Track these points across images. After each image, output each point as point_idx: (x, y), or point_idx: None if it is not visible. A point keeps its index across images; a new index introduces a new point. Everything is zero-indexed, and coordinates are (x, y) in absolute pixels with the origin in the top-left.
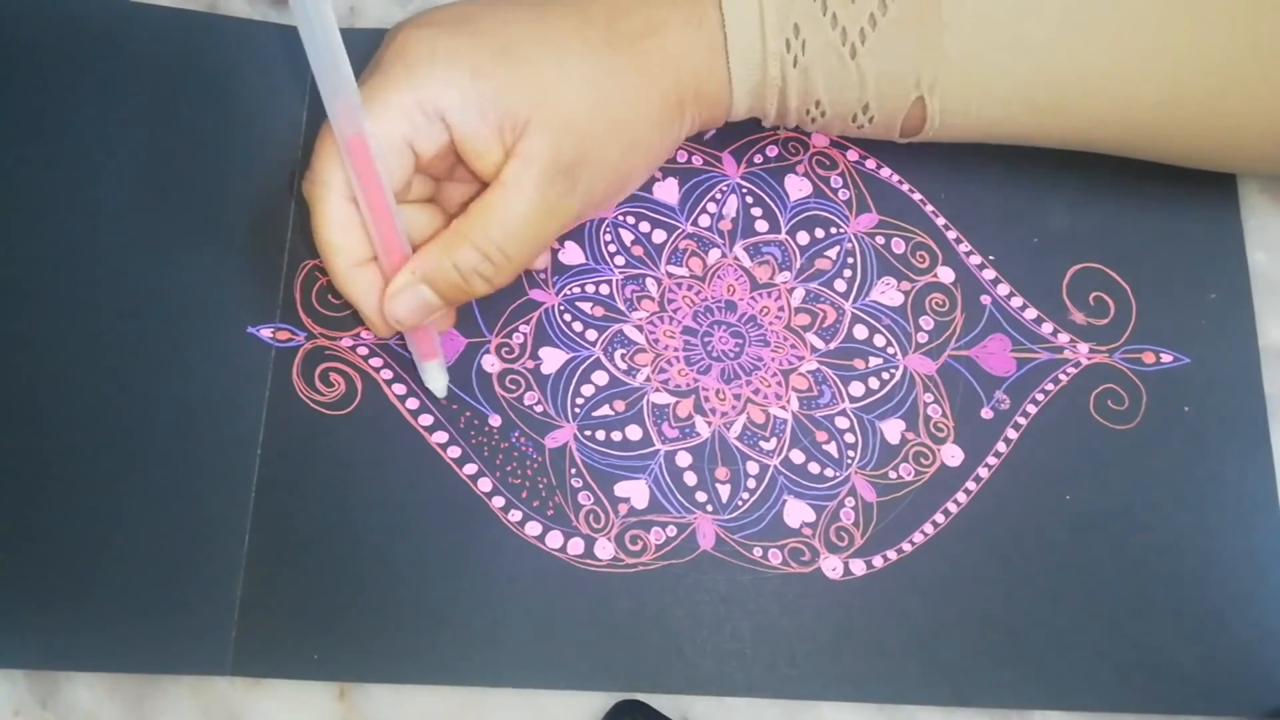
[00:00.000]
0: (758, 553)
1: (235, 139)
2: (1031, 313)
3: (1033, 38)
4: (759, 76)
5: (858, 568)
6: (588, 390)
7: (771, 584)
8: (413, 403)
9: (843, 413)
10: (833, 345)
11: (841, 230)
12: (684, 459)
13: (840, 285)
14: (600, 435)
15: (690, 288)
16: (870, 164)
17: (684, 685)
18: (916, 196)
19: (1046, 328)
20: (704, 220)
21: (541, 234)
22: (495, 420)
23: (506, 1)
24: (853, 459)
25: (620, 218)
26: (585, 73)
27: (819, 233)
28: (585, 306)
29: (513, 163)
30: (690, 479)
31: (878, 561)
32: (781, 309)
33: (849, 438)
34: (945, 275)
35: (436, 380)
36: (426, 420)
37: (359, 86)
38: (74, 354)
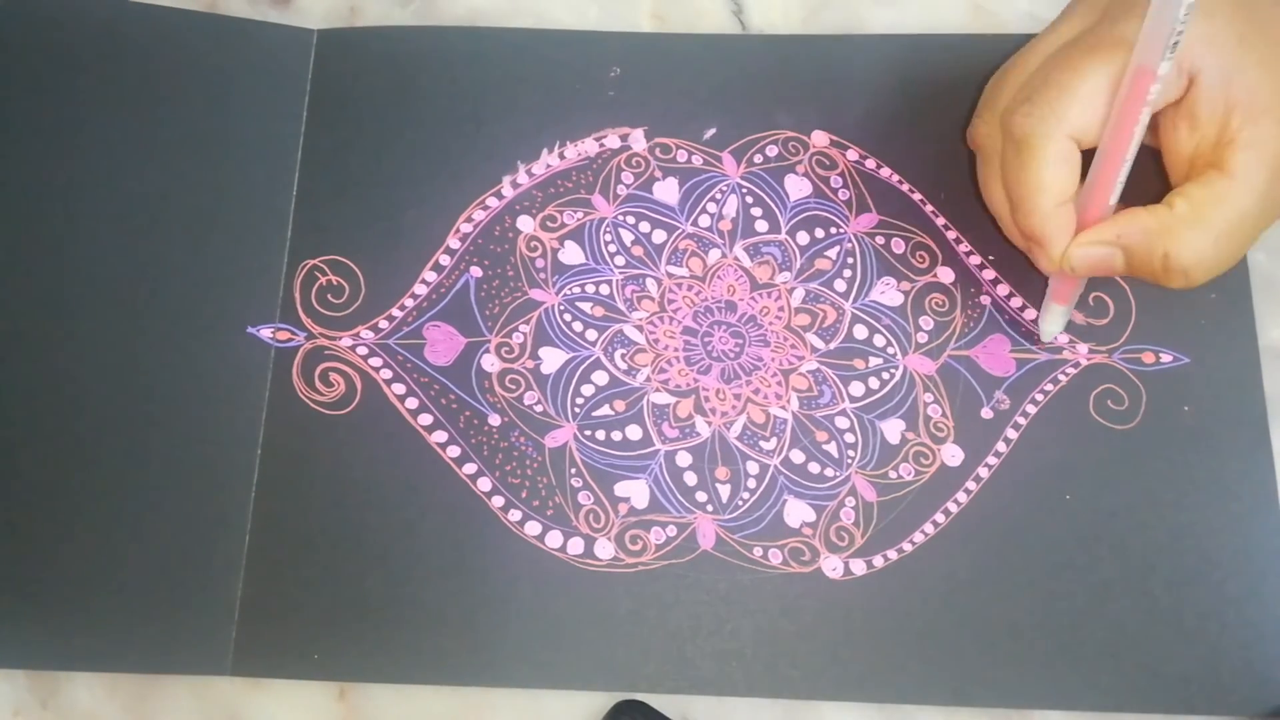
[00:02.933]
0: (758, 553)
1: (235, 139)
2: (1031, 313)
3: None
4: None
5: (858, 568)
6: (588, 390)
7: (771, 584)
8: (412, 402)
9: (843, 413)
10: (833, 345)
11: (841, 230)
12: (684, 459)
13: (840, 285)
14: (600, 435)
15: (690, 288)
16: (870, 164)
17: (684, 685)
18: (916, 196)
19: None
20: (704, 220)
21: (1253, 236)
22: (495, 420)
23: None
24: (853, 459)
25: (620, 218)
26: None
27: (819, 233)
28: (585, 306)
29: (1242, 153)
30: (690, 479)
31: (878, 561)
32: (781, 309)
33: (849, 438)
34: (945, 275)
35: (1055, 324)
36: (426, 420)
37: (1122, 13)
38: (74, 354)
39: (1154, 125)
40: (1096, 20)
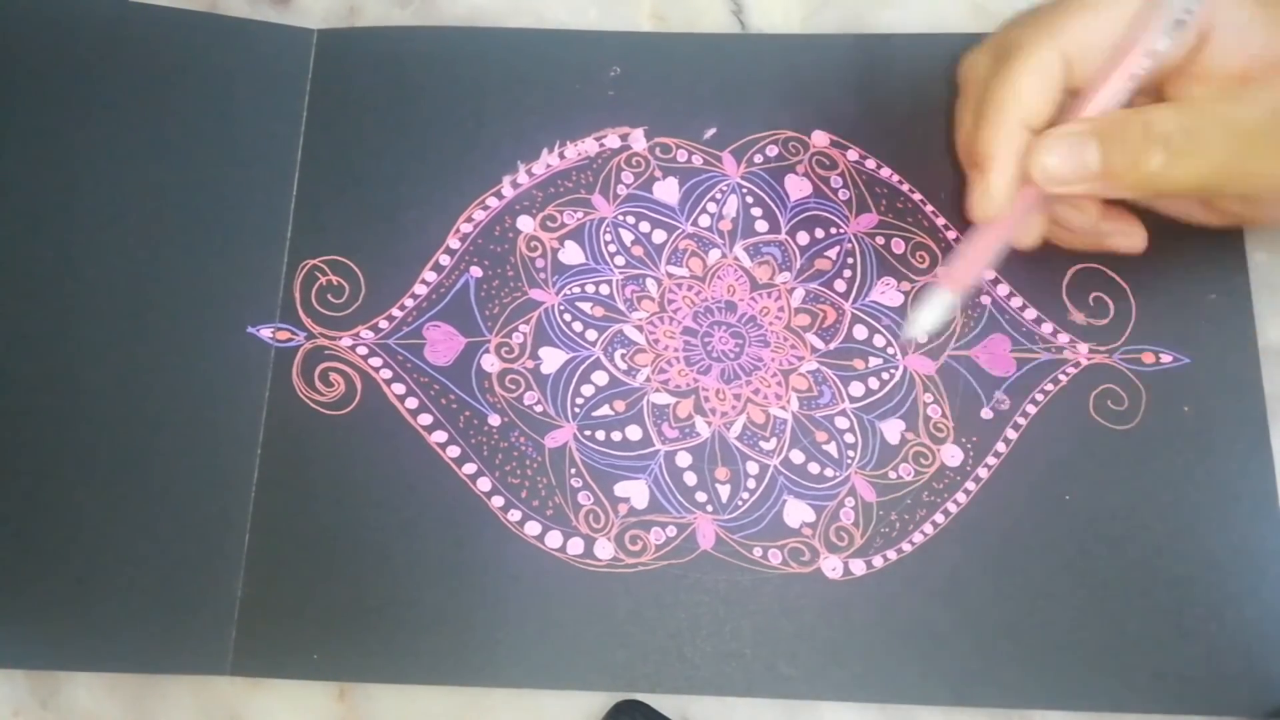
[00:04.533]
0: (758, 553)
1: (235, 139)
2: (1031, 313)
3: None
4: None
5: (858, 568)
6: (588, 390)
7: (771, 584)
8: (412, 402)
9: (842, 413)
10: (832, 345)
11: (841, 230)
12: (684, 459)
13: (840, 285)
14: (600, 435)
15: (690, 288)
16: (870, 164)
17: (684, 685)
18: (917, 196)
19: (1046, 328)
20: (704, 220)
21: (1256, 148)
22: (495, 420)
23: None
24: (852, 459)
25: (620, 218)
26: None
27: (819, 233)
28: (585, 306)
29: (1249, 89)
30: (690, 479)
31: (878, 561)
32: (781, 309)
33: (849, 438)
34: None
35: (933, 316)
36: (426, 420)
37: None
38: (74, 354)
39: (1157, 87)
40: None
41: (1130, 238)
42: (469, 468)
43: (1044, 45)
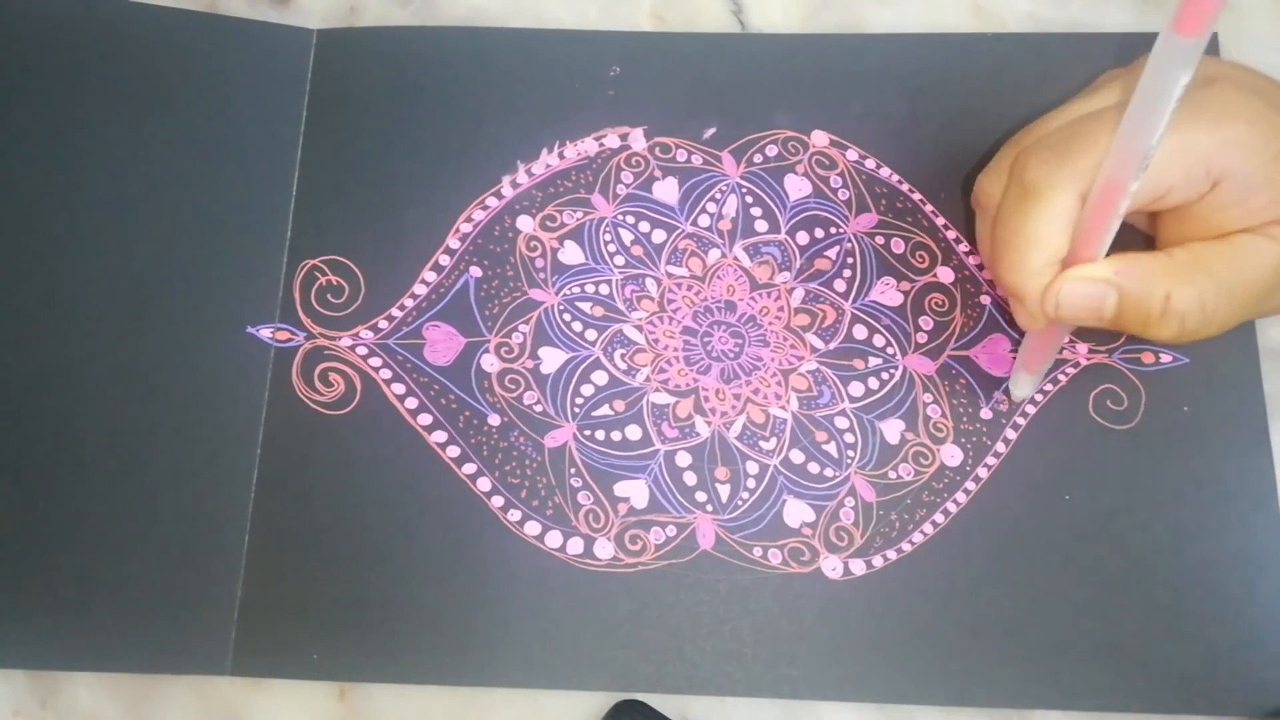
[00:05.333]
0: (757, 553)
1: (235, 139)
2: None
3: None
4: None
5: (857, 568)
6: (587, 390)
7: (771, 584)
8: (411, 402)
9: (842, 413)
10: (832, 345)
11: (841, 230)
12: (684, 459)
13: (840, 285)
14: (600, 435)
15: (690, 288)
16: (870, 164)
17: (684, 685)
18: (916, 196)
19: None
20: (703, 220)
21: (1249, 310)
22: (494, 420)
23: None
24: (852, 459)
25: (620, 218)
26: None
27: (818, 232)
28: (585, 306)
29: (1253, 236)
30: (690, 479)
31: (878, 561)
32: (781, 309)
33: (849, 438)
34: (945, 275)
35: (1025, 389)
36: (425, 420)
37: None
38: (74, 354)
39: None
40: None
41: None
42: (469, 468)
43: (1064, 191)
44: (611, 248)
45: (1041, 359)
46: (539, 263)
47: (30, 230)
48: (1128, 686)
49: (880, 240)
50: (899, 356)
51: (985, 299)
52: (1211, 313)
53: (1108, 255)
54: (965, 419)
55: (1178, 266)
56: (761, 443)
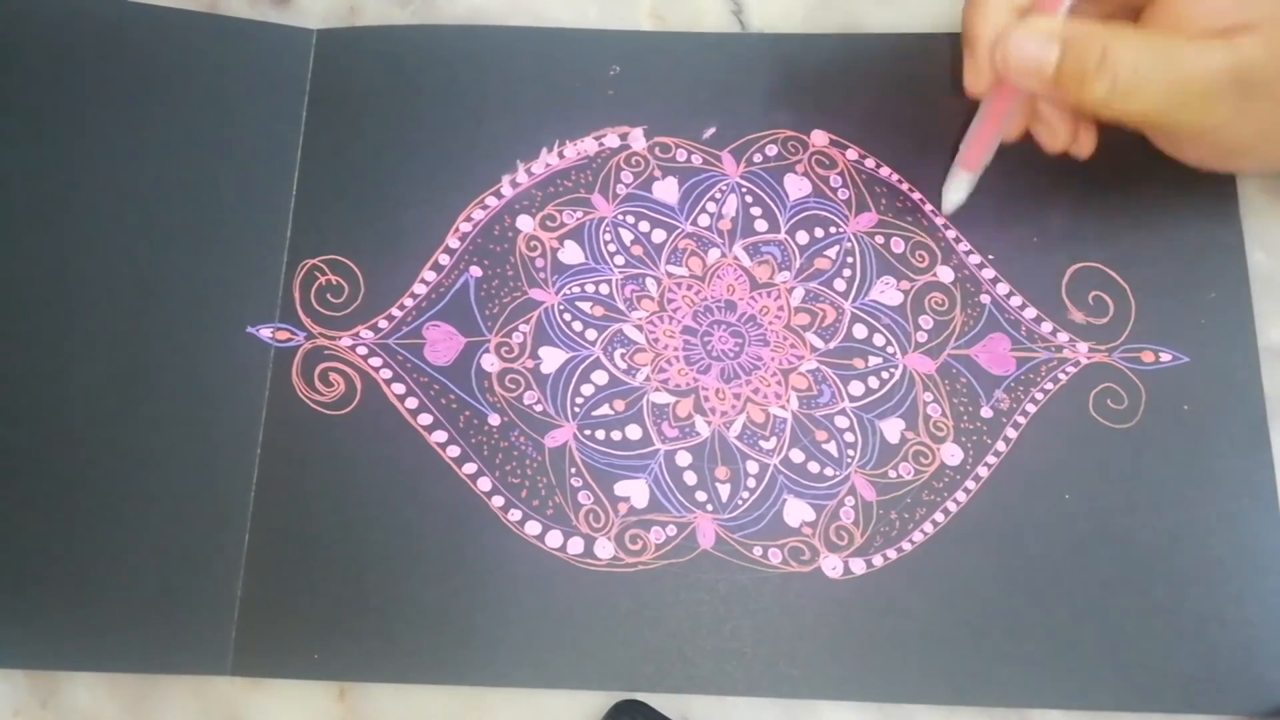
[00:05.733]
0: (758, 552)
1: (235, 139)
2: (1031, 312)
3: None
4: None
5: (858, 567)
6: (587, 390)
7: (771, 583)
8: (412, 402)
9: (842, 412)
10: (832, 345)
11: (841, 229)
12: (684, 458)
13: (840, 285)
14: (600, 435)
15: (690, 287)
16: (870, 163)
17: (684, 685)
18: (916, 196)
19: (1046, 327)
20: (703, 220)
21: (1191, 104)
22: (495, 420)
23: None
24: (852, 458)
25: (620, 217)
26: None
27: (818, 232)
28: (585, 306)
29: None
30: (690, 478)
31: (878, 561)
32: (781, 308)
33: (849, 437)
34: (945, 274)
35: (959, 192)
36: (426, 420)
37: None
38: (74, 354)
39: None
40: None
41: (1080, 146)
42: (469, 467)
43: None
44: (611, 247)
45: (981, 148)
46: (539, 262)
47: (30, 230)
48: (1128, 686)
49: (880, 240)
50: (899, 356)
51: (985, 298)
52: (1145, 78)
53: None
54: (965, 418)
55: (1124, 31)
56: (761, 442)
